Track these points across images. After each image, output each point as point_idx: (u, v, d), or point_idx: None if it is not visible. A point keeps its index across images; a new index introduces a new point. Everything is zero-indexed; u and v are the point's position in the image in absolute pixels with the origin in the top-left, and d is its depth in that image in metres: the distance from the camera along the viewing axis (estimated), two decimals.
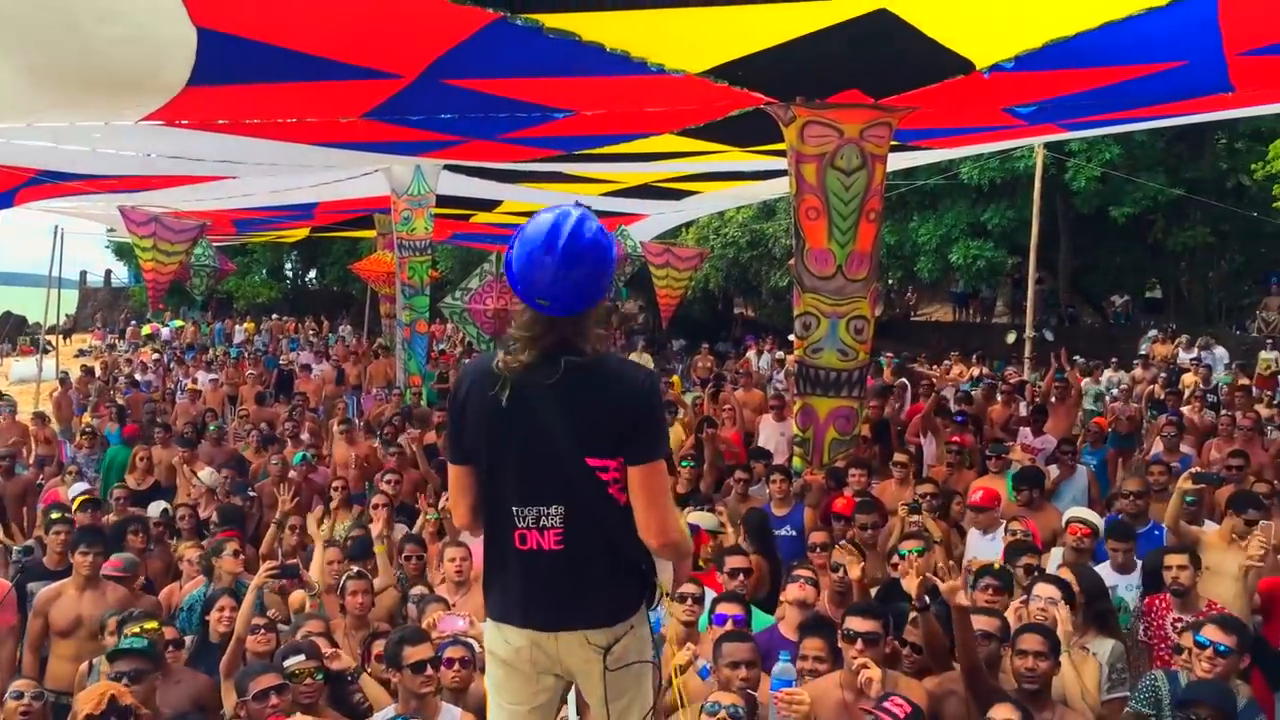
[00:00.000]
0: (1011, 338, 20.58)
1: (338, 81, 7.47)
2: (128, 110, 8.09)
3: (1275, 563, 5.67)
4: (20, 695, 4.47)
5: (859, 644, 4.26)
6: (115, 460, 10.64)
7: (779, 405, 10.46)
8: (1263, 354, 17.64)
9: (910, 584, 4.68)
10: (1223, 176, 20.41)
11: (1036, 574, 5.35)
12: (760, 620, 5.30)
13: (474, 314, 17.73)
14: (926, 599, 4.46)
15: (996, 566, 5.45)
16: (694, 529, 6.20)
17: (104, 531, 6.77)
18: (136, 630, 4.73)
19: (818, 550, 6.19)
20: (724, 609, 4.96)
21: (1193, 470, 7.23)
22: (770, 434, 10.11)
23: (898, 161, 12.59)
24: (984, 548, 6.60)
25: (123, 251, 41.19)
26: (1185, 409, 11.78)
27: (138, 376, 18.85)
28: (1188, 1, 5.97)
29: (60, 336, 29.45)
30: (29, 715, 4.41)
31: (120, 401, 14.49)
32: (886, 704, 3.77)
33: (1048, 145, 17.98)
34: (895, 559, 5.59)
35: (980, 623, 4.43)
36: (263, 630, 5.07)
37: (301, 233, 24.31)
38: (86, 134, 9.79)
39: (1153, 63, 7.34)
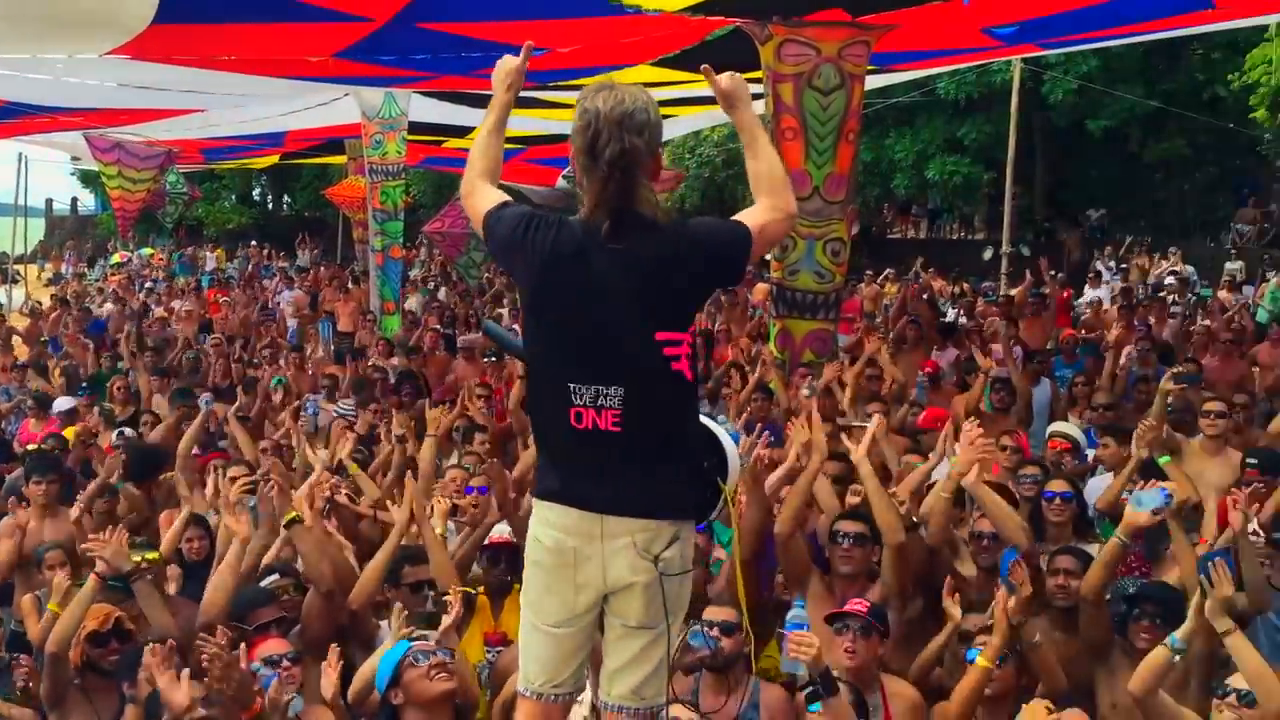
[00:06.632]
0: (988, 254, 20.57)
1: (307, 23, 7.30)
2: (91, 46, 7.89)
3: None
4: None
5: None
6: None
7: None
8: (1228, 265, 17.91)
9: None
10: (1199, 88, 20.25)
11: None
12: None
13: (429, 235, 17.47)
14: None
15: None
16: None
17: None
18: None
19: None
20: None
21: (1173, 370, 7.01)
22: None
23: (874, 79, 12.46)
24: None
25: (89, 179, 40.42)
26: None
27: (109, 306, 18.56)
28: None
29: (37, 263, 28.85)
30: None
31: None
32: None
33: (1024, 58, 17.79)
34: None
35: None
36: None
37: (271, 159, 23.83)
38: (50, 64, 9.55)
39: None
